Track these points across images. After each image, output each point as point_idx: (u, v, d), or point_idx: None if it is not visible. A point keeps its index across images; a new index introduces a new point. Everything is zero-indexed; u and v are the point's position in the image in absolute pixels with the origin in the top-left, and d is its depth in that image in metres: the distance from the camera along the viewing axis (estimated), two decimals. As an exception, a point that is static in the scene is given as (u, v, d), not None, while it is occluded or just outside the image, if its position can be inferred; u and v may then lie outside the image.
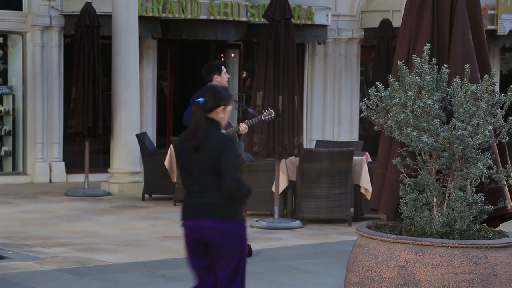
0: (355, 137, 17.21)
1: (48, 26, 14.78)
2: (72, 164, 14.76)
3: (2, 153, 14.97)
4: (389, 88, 5.12)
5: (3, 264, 7.92)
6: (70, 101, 13.56)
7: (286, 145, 10.21)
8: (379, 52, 15.31)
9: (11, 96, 14.97)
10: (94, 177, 13.71)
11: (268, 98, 10.24)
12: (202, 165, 5.00)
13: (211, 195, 4.99)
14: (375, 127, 5.16)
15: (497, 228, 5.26)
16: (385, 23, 15.41)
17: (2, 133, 14.92)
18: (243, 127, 8.62)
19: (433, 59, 5.12)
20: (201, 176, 5.01)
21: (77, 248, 8.81)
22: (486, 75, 5.10)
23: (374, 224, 5.29)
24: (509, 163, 5.21)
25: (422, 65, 5.08)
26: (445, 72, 5.11)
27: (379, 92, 5.09)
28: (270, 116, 9.07)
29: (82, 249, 8.76)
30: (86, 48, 13.24)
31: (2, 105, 15.06)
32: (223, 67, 8.79)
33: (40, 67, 14.71)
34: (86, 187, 13.34)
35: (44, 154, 14.73)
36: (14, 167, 14.90)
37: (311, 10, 16.03)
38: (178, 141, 5.23)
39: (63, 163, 14.90)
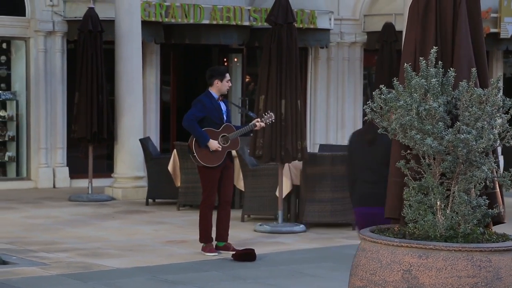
0: (358, 141, 17.16)
1: (51, 31, 14.81)
2: (76, 169, 14.77)
3: (6, 158, 14.99)
4: (393, 91, 5.12)
5: (7, 269, 7.92)
6: (73, 106, 13.57)
7: (290, 149, 10.20)
8: (382, 55, 15.31)
9: (14, 101, 14.99)
10: (98, 182, 13.72)
11: (271, 102, 10.24)
12: (379, 158, 5.64)
13: (384, 185, 5.36)
14: (379, 130, 5.16)
15: (501, 232, 5.25)
16: (388, 27, 15.41)
17: (6, 138, 14.94)
18: (259, 124, 8.79)
19: (439, 62, 5.12)
20: (378, 167, 5.64)
21: (81, 253, 8.81)
22: (492, 79, 5.10)
23: (378, 228, 5.28)
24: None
25: (428, 68, 5.08)
26: (451, 75, 5.11)
27: (383, 95, 5.09)
28: (270, 119, 9.06)
29: (85, 254, 8.76)
30: (89, 53, 13.26)
31: (5, 110, 15.08)
32: (227, 75, 8.80)
33: (43, 72, 14.74)
34: (90, 192, 13.35)
35: (48, 159, 14.74)
36: (18, 172, 14.92)
37: (313, 14, 16.03)
38: (351, 135, 6.05)
39: (67, 168, 14.92)
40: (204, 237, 8.79)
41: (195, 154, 8.67)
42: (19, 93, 15.01)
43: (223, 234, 8.85)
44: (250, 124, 8.93)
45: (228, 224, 8.87)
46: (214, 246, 8.80)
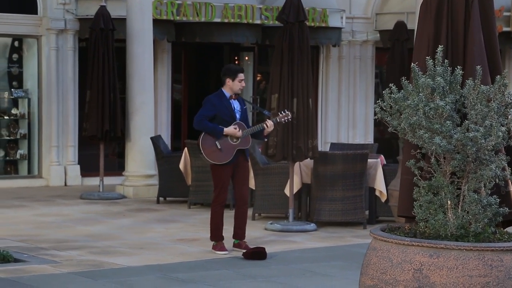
0: (370, 139, 17.17)
1: (63, 29, 14.84)
2: (87, 167, 14.80)
3: (18, 156, 15.04)
4: (402, 90, 5.10)
5: (18, 267, 7.95)
6: (85, 104, 13.60)
7: (302, 147, 10.19)
8: (393, 54, 15.27)
9: (26, 99, 15.04)
10: (109, 180, 13.74)
11: (282, 101, 10.23)
12: None
13: None
14: (389, 128, 5.15)
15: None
16: (400, 25, 15.37)
17: (18, 136, 14.99)
18: (270, 124, 8.67)
19: (446, 60, 5.10)
20: None
21: (92, 251, 8.83)
22: (498, 76, 5.07)
23: (388, 226, 5.26)
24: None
25: (435, 67, 5.06)
26: (459, 74, 5.09)
27: (393, 94, 5.08)
28: (287, 117, 8.96)
29: (97, 252, 8.78)
30: (101, 51, 13.28)
31: (17, 108, 15.13)
32: (240, 74, 8.75)
33: (55, 70, 14.77)
34: (101, 190, 13.37)
35: (59, 157, 14.78)
36: (30, 170, 14.96)
37: (325, 13, 16.01)
38: None
39: (78, 166, 14.95)
40: (215, 236, 8.79)
41: (203, 152, 8.68)
42: (31, 91, 15.05)
43: (237, 232, 8.85)
44: (261, 124, 8.85)
45: (244, 222, 8.85)
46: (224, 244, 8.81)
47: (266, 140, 9.04)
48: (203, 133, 8.71)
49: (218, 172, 8.68)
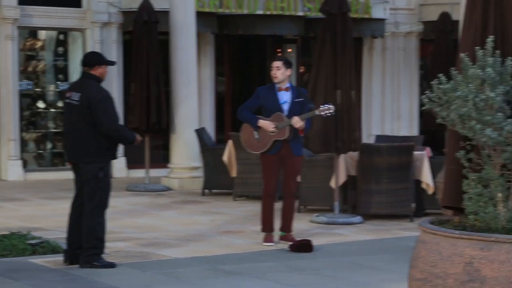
0: (415, 132, 17.07)
1: (107, 22, 14.97)
2: (133, 159, 14.93)
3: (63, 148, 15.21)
4: (451, 81, 5.07)
5: (67, 258, 8.05)
6: (129, 97, 13.70)
7: (346, 140, 10.16)
8: (438, 45, 15.15)
9: (72, 92, 15.18)
10: (154, 172, 13.85)
11: (326, 93, 10.20)
12: None
13: None
14: (438, 119, 5.11)
15: None
16: (444, 16, 15.24)
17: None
18: (296, 120, 8.53)
19: (496, 51, 5.05)
20: None
21: (139, 243, 8.91)
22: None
23: (437, 219, 5.24)
24: None
25: (485, 57, 5.01)
26: (509, 64, 5.04)
27: (441, 85, 5.04)
28: (328, 111, 8.78)
29: (144, 244, 8.86)
30: (145, 44, 13.36)
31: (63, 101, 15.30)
32: (273, 63, 8.70)
33: (100, 63, 14.88)
34: (146, 182, 13.48)
35: (105, 150, 14.90)
36: (76, 162, 15.09)
37: (368, 4, 15.93)
38: None
39: (124, 158, 15.08)
40: (263, 226, 8.82)
41: (241, 139, 8.75)
42: (76, 84, 15.18)
43: (283, 224, 8.86)
44: (289, 119, 8.59)
45: (290, 215, 8.84)
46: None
47: (302, 135, 8.78)
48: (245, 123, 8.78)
49: (263, 162, 8.73)
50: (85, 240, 7.59)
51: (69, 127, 7.68)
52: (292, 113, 8.62)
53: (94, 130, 7.50)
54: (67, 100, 7.67)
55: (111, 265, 7.63)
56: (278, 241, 8.88)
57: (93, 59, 7.71)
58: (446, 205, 5.49)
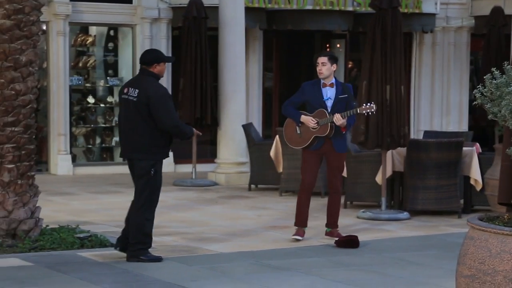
0: (464, 127, 16.87)
1: (156, 18, 15.05)
2: (180, 154, 14.99)
3: (113, 143, 15.35)
4: (504, 75, 4.98)
5: (114, 251, 8.11)
6: (178, 92, 13.76)
7: (395, 135, 10.08)
8: (489, 40, 14.94)
9: (121, 87, 15.30)
10: (201, 167, 13.89)
11: (375, 88, 10.13)
12: None
13: None
14: (489, 115, 5.02)
15: None
16: (497, 10, 15.03)
17: (113, 124, 15.30)
18: (337, 117, 8.43)
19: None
20: None
21: (186, 237, 8.94)
22: None
23: (486, 216, 5.16)
24: None
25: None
26: None
27: (494, 80, 4.95)
28: (370, 110, 8.60)
29: (190, 238, 8.89)
30: (194, 40, 13.40)
31: (112, 96, 15.44)
32: (318, 58, 8.59)
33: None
34: (193, 177, 13.53)
35: (153, 145, 15.00)
36: (124, 157, 15.22)
37: (419, -1, 15.77)
38: None
39: (172, 153, 15.16)
40: (296, 220, 8.79)
41: (284, 134, 8.78)
42: (125, 79, 15.29)
43: (329, 220, 8.82)
44: (330, 116, 8.47)
45: (335, 211, 8.77)
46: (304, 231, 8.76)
47: (344, 133, 8.61)
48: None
49: (303, 157, 8.71)
50: (132, 235, 7.65)
51: (125, 123, 7.76)
52: (335, 109, 8.53)
53: (149, 127, 7.56)
54: (124, 96, 7.74)
55: (158, 259, 7.67)
56: (324, 236, 8.84)
57: (151, 57, 7.75)
58: (501, 202, 5.40)
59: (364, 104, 8.75)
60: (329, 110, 8.57)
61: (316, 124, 8.54)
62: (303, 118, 8.61)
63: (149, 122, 7.54)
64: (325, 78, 8.62)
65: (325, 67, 8.57)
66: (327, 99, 8.62)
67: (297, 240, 8.67)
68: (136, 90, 7.61)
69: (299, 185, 8.79)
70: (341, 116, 8.43)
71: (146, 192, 7.62)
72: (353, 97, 8.69)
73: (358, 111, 8.59)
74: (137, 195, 7.68)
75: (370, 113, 8.71)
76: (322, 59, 8.60)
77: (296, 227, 8.77)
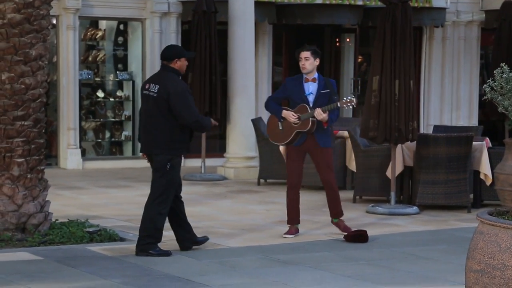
0: (474, 122, 16.83)
1: (166, 12, 15.05)
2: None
3: (122, 137, 15.38)
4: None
5: (123, 246, 8.13)
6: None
7: (403, 130, 10.06)
8: (500, 34, 14.88)
9: (130, 82, 15.34)
10: (210, 162, 13.90)
11: (385, 83, 10.11)
12: None
13: None
14: (500, 108, 5.01)
15: None
16: (507, 4, 14.97)
17: (122, 118, 15.32)
18: (318, 112, 8.32)
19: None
20: None
21: (195, 232, 8.88)
22: None
23: (496, 210, 5.15)
24: None
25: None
26: None
27: (504, 74, 4.94)
28: (350, 104, 8.43)
29: (199, 233, 8.86)
30: (203, 34, 13.39)
31: (122, 90, 15.46)
32: (301, 53, 8.46)
33: (158, 53, 14.97)
34: (202, 171, 13.54)
35: (162, 139, 15.02)
36: (134, 151, 15.27)
37: (429, -7, 15.72)
38: None
39: (180, 147, 15.15)
40: (287, 218, 8.75)
41: (267, 130, 8.75)
42: (135, 73, 15.34)
43: (332, 212, 8.75)
44: (311, 111, 8.38)
45: (335, 203, 8.67)
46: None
47: (326, 128, 8.45)
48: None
49: (287, 154, 8.68)
50: (143, 228, 7.67)
51: (145, 118, 7.82)
52: (317, 104, 8.40)
53: (168, 123, 7.62)
54: (145, 92, 7.80)
55: (167, 254, 7.69)
56: (332, 230, 8.82)
57: (172, 53, 7.80)
58: None
59: (345, 98, 8.52)
60: (311, 105, 8.44)
61: (297, 119, 8.43)
62: (284, 113, 8.50)
63: (168, 117, 7.60)
64: (308, 73, 8.49)
65: (308, 62, 8.46)
66: (309, 94, 8.49)
67: (287, 238, 8.60)
68: (157, 85, 7.68)
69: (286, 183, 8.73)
70: (322, 111, 8.33)
71: (161, 186, 7.66)
72: (335, 92, 8.51)
73: (339, 105, 8.42)
74: (152, 188, 7.72)
75: (350, 107, 8.52)
76: (305, 54, 8.48)
77: (288, 226, 8.73)
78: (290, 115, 8.47)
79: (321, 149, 8.53)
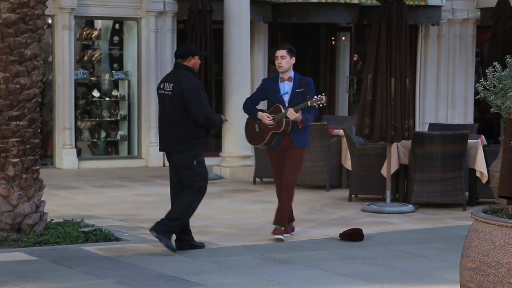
0: (469, 120, 16.84)
1: (162, 11, 15.04)
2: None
3: (118, 137, 15.37)
4: (507, 68, 4.96)
5: (119, 245, 8.12)
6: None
7: (399, 128, 10.07)
8: (495, 32, 14.89)
9: (126, 81, 15.33)
10: (206, 161, 13.82)
11: (380, 81, 10.11)
12: None
13: None
14: (492, 109, 5.01)
15: None
16: (503, 2, 14.97)
17: (118, 117, 15.31)
18: (290, 112, 8.21)
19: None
20: None
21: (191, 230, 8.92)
22: None
23: (491, 208, 5.16)
24: None
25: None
26: None
27: (496, 73, 4.94)
28: (320, 102, 8.27)
29: (195, 232, 8.85)
30: (199, 33, 13.38)
31: (118, 90, 15.44)
32: (276, 52, 8.37)
33: (154, 52, 15.00)
34: (198, 170, 13.50)
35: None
36: (130, 151, 15.27)
37: (424, -9, 15.72)
38: None
39: (177, 147, 15.15)
40: (274, 218, 8.60)
41: (244, 132, 8.69)
42: (131, 73, 15.33)
43: (275, 216, 8.51)
44: (285, 112, 8.28)
45: (283, 207, 8.43)
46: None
47: (300, 127, 8.29)
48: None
49: (268, 156, 8.59)
50: (175, 210, 7.79)
51: (163, 117, 7.91)
52: (293, 104, 8.25)
53: (186, 120, 7.72)
54: (161, 91, 7.90)
55: (172, 249, 7.72)
56: (325, 232, 8.83)
57: (186, 51, 7.93)
58: (502, 195, 5.39)
59: (316, 96, 8.35)
60: (286, 105, 8.31)
61: (272, 121, 8.33)
62: (260, 114, 8.40)
63: (185, 114, 7.72)
64: (284, 72, 8.36)
65: (284, 60, 8.33)
66: (284, 93, 8.37)
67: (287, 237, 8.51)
68: (171, 84, 7.80)
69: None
70: (294, 110, 8.21)
71: (196, 182, 7.80)
72: (308, 91, 8.33)
73: (309, 104, 8.27)
74: (188, 186, 7.83)
75: (320, 106, 8.33)
76: (281, 52, 8.35)
77: (275, 226, 8.59)
78: (264, 116, 8.37)
79: (297, 149, 8.38)
